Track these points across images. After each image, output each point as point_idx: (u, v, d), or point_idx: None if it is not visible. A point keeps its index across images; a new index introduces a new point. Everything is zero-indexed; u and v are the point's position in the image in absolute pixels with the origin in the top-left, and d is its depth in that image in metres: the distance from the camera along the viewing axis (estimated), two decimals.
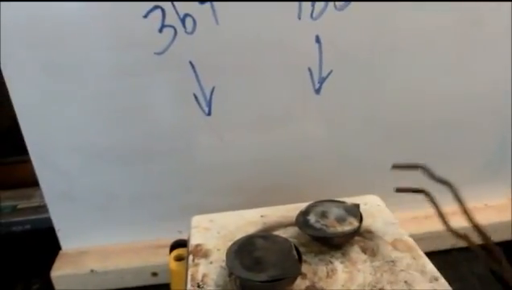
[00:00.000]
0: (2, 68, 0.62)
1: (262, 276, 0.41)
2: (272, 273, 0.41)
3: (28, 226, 0.88)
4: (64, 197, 0.72)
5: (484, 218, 0.79)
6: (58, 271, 0.72)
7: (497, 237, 0.79)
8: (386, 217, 0.56)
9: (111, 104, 0.67)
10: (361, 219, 0.50)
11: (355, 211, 0.51)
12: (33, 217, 0.87)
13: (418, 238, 0.77)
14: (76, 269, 0.73)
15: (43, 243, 0.77)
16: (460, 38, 0.70)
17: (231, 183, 0.75)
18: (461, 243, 0.78)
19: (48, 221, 0.75)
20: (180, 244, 0.63)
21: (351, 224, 0.49)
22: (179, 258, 0.62)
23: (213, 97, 0.67)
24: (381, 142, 0.75)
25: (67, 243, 0.76)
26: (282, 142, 0.73)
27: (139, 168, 0.72)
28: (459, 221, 0.57)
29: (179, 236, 0.75)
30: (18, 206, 0.91)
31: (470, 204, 0.83)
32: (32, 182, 0.72)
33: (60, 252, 0.76)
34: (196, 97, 0.67)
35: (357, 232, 0.49)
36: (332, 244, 0.49)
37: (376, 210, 0.58)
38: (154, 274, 0.73)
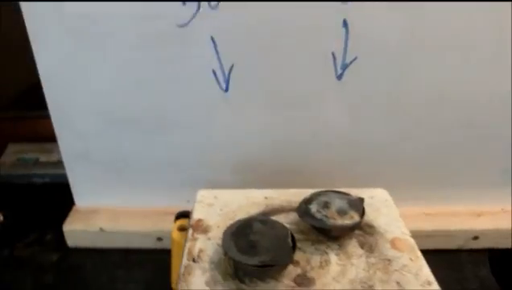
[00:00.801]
0: (27, 27, 0.63)
1: (254, 260, 0.42)
2: (264, 258, 0.42)
3: (47, 179, 0.92)
4: (80, 157, 0.74)
5: (499, 223, 0.78)
6: (69, 226, 0.76)
7: (509, 242, 0.77)
8: (391, 214, 0.55)
9: (132, 73, 0.67)
10: (362, 214, 0.50)
11: (358, 205, 0.51)
12: (52, 171, 0.91)
13: (426, 235, 0.77)
14: (87, 226, 0.76)
15: (60, 197, 0.81)
16: (489, 39, 0.66)
17: (243, 161, 0.75)
18: (470, 245, 0.78)
19: (66, 176, 0.78)
20: (185, 215, 0.65)
21: (351, 218, 0.49)
22: (181, 229, 0.63)
23: (232, 74, 0.67)
24: (399, 137, 0.74)
25: (80, 200, 0.80)
26: (298, 126, 0.72)
27: (155, 138, 0.74)
28: None
29: (186, 205, 0.77)
30: (40, 159, 0.95)
31: (486, 207, 0.82)
32: (53, 138, 0.75)
33: (74, 208, 0.79)
34: (214, 73, 0.67)
35: (356, 227, 0.49)
36: (329, 236, 0.49)
37: (382, 205, 0.57)
38: (160, 239, 0.76)
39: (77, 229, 0.76)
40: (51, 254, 0.75)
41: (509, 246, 0.77)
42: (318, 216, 0.49)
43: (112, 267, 0.73)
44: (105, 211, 0.79)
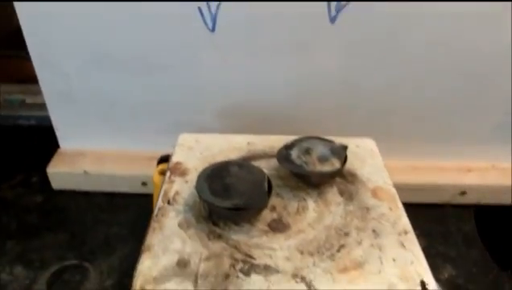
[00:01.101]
0: None
1: (227, 203, 0.41)
2: (237, 202, 0.41)
3: (33, 122, 0.90)
4: (63, 98, 0.72)
5: (488, 179, 0.77)
6: (54, 168, 0.75)
7: (499, 199, 0.77)
8: (376, 164, 0.54)
9: (114, 11, 0.64)
10: (344, 161, 0.48)
11: (340, 152, 0.49)
12: (38, 113, 0.89)
13: (413, 189, 0.76)
14: (71, 168, 0.75)
15: (46, 140, 0.80)
16: None
17: (230, 105, 0.73)
18: (457, 200, 0.78)
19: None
20: (167, 159, 0.63)
21: (332, 165, 0.47)
22: (163, 172, 0.62)
23: (219, 12, 0.63)
24: (392, 86, 0.71)
25: (65, 143, 0.78)
26: (287, 71, 0.69)
27: (140, 80, 0.71)
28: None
29: (172, 150, 0.76)
30: (27, 101, 0.92)
31: (477, 163, 0.80)
32: None
33: (58, 150, 0.78)
34: (200, 11, 0.63)
35: (336, 174, 0.48)
36: (309, 182, 0.48)
37: (367, 155, 0.55)
38: (144, 183, 0.75)
39: (62, 172, 0.75)
40: (35, 196, 0.75)
41: (497, 202, 0.77)
42: (298, 162, 0.48)
43: (96, 210, 0.73)
44: (91, 154, 0.78)
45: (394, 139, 0.77)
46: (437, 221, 0.74)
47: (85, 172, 0.75)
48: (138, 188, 0.76)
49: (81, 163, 0.76)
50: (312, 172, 0.46)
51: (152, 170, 0.72)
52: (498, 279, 0.63)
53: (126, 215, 0.72)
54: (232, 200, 0.41)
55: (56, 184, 0.76)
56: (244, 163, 0.47)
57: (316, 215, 0.45)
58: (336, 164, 0.47)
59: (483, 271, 0.65)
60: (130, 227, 0.70)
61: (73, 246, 0.65)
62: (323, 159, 0.48)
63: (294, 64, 0.68)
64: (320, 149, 0.49)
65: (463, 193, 0.76)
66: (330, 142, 0.51)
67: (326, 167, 0.47)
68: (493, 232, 0.73)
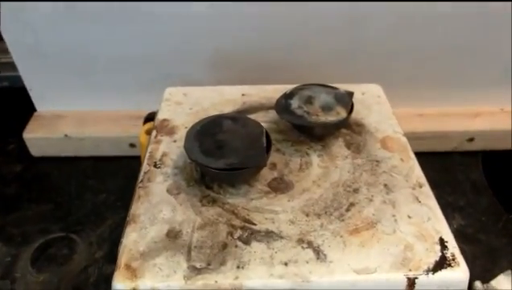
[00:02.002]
0: None
1: (220, 163, 0.36)
2: (231, 161, 0.36)
3: (6, 83, 0.83)
4: (32, 53, 0.65)
5: (496, 124, 0.73)
6: (31, 134, 0.69)
7: (508, 144, 0.73)
8: (384, 111, 0.49)
9: None
10: (350, 110, 0.43)
11: (346, 100, 0.44)
12: (12, 73, 0.81)
13: (420, 137, 0.72)
14: (50, 133, 0.69)
15: (21, 103, 0.73)
16: None
17: (220, 54, 0.67)
18: (465, 147, 0.74)
19: None
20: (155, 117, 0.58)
21: (337, 114, 0.42)
22: (151, 132, 0.57)
23: None
24: (397, 28, 0.64)
25: (41, 105, 0.72)
26: (284, 13, 0.62)
27: (118, 28, 0.64)
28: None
29: (158, 107, 0.70)
30: None
31: (484, 108, 0.75)
32: None
33: (35, 114, 0.72)
34: None
35: (342, 124, 0.43)
36: (312, 135, 0.43)
37: (374, 102, 0.50)
38: (132, 145, 0.70)
39: (40, 137, 0.69)
40: (13, 165, 0.69)
41: (506, 148, 0.73)
42: (299, 112, 0.42)
43: (81, 177, 0.68)
44: (70, 116, 0.72)
45: (398, 85, 0.71)
46: (444, 170, 0.70)
47: (66, 136, 0.69)
48: (125, 151, 0.70)
49: (61, 126, 0.70)
50: (316, 123, 0.41)
51: (139, 130, 0.66)
52: (508, 226, 0.60)
53: (115, 181, 0.67)
54: (226, 159, 0.36)
55: (35, 150, 0.70)
56: (238, 117, 0.41)
57: (321, 171, 0.40)
58: (342, 113, 0.42)
59: (492, 219, 0.62)
60: (120, 193, 0.65)
61: (58, 218, 0.61)
62: (327, 108, 0.42)
63: (289, 4, 0.61)
64: (323, 97, 0.44)
65: (471, 140, 0.72)
66: (334, 88, 0.45)
67: (331, 117, 0.42)
68: (501, 178, 0.70)
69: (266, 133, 0.39)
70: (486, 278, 0.45)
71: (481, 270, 0.52)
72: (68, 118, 0.71)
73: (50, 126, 0.70)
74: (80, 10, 0.61)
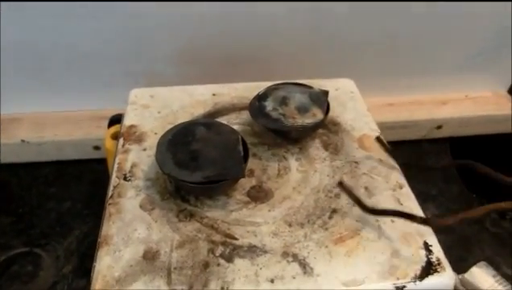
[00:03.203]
0: None
1: (196, 177, 0.33)
2: (208, 173, 0.34)
3: None
4: None
5: (463, 110, 0.74)
6: None
7: (474, 130, 0.74)
8: (358, 108, 0.48)
9: None
10: (327, 110, 0.42)
11: (322, 100, 0.43)
12: None
13: (390, 126, 0.72)
14: (6, 138, 0.64)
15: None
16: None
17: (187, 50, 0.63)
18: (433, 134, 0.75)
19: None
20: (120, 119, 0.54)
21: (314, 116, 0.41)
22: (117, 136, 0.53)
23: None
24: (363, 19, 0.63)
25: None
26: (252, 6, 0.60)
27: (75, 23, 0.59)
28: None
29: (124, 107, 0.67)
30: None
31: (451, 95, 0.77)
32: None
33: None
34: None
35: (319, 126, 0.41)
36: (289, 138, 0.42)
37: (348, 98, 0.49)
38: (97, 148, 0.66)
39: None
40: None
41: (472, 133, 0.74)
42: (274, 115, 0.41)
43: (43, 184, 0.64)
44: (27, 119, 0.67)
45: (367, 75, 0.70)
46: (414, 158, 0.71)
47: (23, 141, 0.64)
48: (89, 154, 0.66)
49: (17, 130, 0.65)
50: (293, 127, 0.39)
51: (103, 131, 0.63)
52: None
53: (79, 186, 0.64)
54: (202, 171, 0.34)
55: None
56: (211, 123, 0.39)
57: (301, 176, 0.39)
58: (319, 114, 0.41)
59: (464, 206, 0.63)
60: (86, 200, 0.61)
61: (19, 231, 0.57)
62: (302, 110, 0.41)
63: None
64: (297, 97, 0.42)
65: (439, 127, 0.73)
66: (308, 88, 0.44)
67: (307, 119, 0.40)
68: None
69: (243, 140, 0.37)
70: (462, 267, 0.46)
71: (456, 259, 0.53)
72: (25, 121, 0.67)
73: (5, 131, 0.64)
74: (32, 5, 0.56)
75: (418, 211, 0.36)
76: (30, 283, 0.51)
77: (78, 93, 0.68)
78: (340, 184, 0.36)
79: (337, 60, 0.67)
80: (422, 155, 0.72)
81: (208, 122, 0.40)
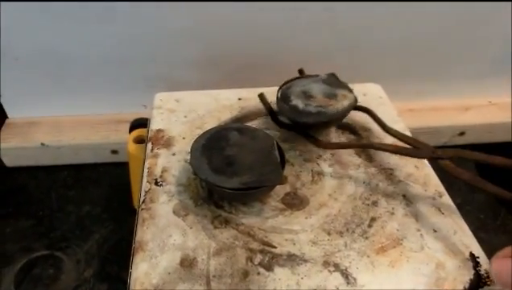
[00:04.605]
0: None
1: (234, 183, 0.33)
2: (246, 179, 0.33)
3: None
4: (2, 56, 0.59)
5: (486, 117, 0.73)
6: (4, 143, 0.63)
7: (498, 137, 0.73)
8: (388, 113, 0.47)
9: None
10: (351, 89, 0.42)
11: (337, 81, 0.42)
12: None
13: (411, 133, 0.71)
14: (25, 141, 0.64)
15: None
16: None
17: (206, 54, 0.63)
18: (455, 141, 0.74)
19: None
20: (142, 123, 0.54)
21: (345, 97, 0.40)
22: (139, 140, 0.53)
23: None
24: (384, 22, 0.63)
25: (14, 112, 0.66)
26: (271, 9, 0.59)
27: (96, 29, 0.59)
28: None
29: (142, 111, 0.66)
30: None
31: (473, 100, 0.76)
32: None
33: (7, 121, 0.66)
34: None
35: (356, 102, 0.41)
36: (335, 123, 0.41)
37: (377, 103, 0.48)
38: (115, 151, 0.65)
39: (14, 147, 0.64)
40: None
41: (495, 141, 0.73)
42: (310, 109, 0.39)
43: (61, 188, 0.63)
44: (46, 122, 0.66)
45: (387, 80, 0.70)
46: (437, 167, 0.69)
47: (43, 145, 0.64)
48: (107, 158, 0.66)
49: (36, 134, 0.64)
50: (337, 112, 0.38)
51: (121, 135, 0.63)
52: (506, 223, 0.61)
53: (98, 190, 0.63)
54: (240, 177, 0.33)
55: (10, 160, 0.65)
56: (245, 128, 0.38)
57: (336, 182, 0.38)
58: (348, 94, 0.40)
59: (490, 215, 0.62)
60: (105, 204, 0.61)
61: (40, 234, 0.56)
62: (331, 95, 0.40)
63: (276, 2, 0.58)
64: (316, 87, 0.41)
65: (461, 134, 0.72)
66: (315, 76, 0.43)
67: (344, 101, 0.39)
68: (494, 171, 0.70)
69: (278, 145, 0.36)
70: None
71: None
72: (43, 124, 0.66)
73: (24, 134, 0.64)
74: (54, 11, 0.56)
75: (461, 222, 0.35)
76: (52, 285, 0.50)
77: (96, 97, 0.67)
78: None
79: (357, 64, 0.66)
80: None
81: (241, 126, 0.39)
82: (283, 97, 0.41)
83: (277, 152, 0.35)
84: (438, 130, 0.72)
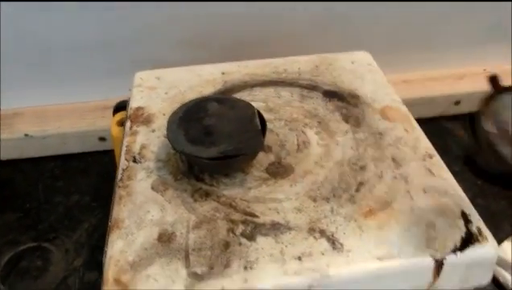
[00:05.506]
0: None
1: (211, 152, 0.31)
2: (225, 148, 0.31)
3: None
4: None
5: (482, 85, 0.71)
6: None
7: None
8: (377, 80, 0.45)
9: None
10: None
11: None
12: None
13: (405, 104, 0.69)
14: (9, 133, 0.62)
15: None
16: None
17: (192, 34, 0.61)
18: (451, 111, 0.72)
19: None
20: (125, 106, 0.52)
21: None
22: (123, 123, 0.51)
23: None
24: None
25: None
26: None
27: (74, 12, 0.57)
28: None
29: (129, 95, 0.64)
30: None
31: (468, 69, 0.74)
32: None
33: None
34: None
35: None
36: None
37: (366, 70, 0.47)
38: (102, 139, 0.64)
39: None
40: None
41: None
42: None
43: (48, 179, 0.61)
44: (30, 113, 0.65)
45: (379, 51, 0.68)
46: (434, 136, 0.67)
47: (27, 136, 0.62)
48: (95, 146, 0.64)
49: (20, 125, 0.63)
50: None
51: (108, 121, 0.61)
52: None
53: (86, 180, 0.61)
54: (218, 146, 0.31)
55: None
56: (225, 98, 0.37)
57: (322, 150, 0.36)
58: None
59: (488, 181, 0.60)
60: (94, 193, 0.59)
61: (27, 226, 0.54)
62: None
63: None
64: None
65: (457, 103, 0.70)
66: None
67: None
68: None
69: (259, 113, 0.35)
70: None
71: None
72: (27, 115, 0.64)
73: (7, 126, 0.62)
74: None
75: (452, 181, 0.34)
76: (40, 278, 0.49)
77: (80, 84, 0.65)
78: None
79: (348, 35, 0.64)
80: (441, 133, 0.69)
81: (221, 97, 0.37)
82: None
83: (258, 120, 0.34)
84: (433, 100, 0.69)
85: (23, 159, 0.63)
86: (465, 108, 0.71)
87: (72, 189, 0.60)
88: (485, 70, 0.73)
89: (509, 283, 0.45)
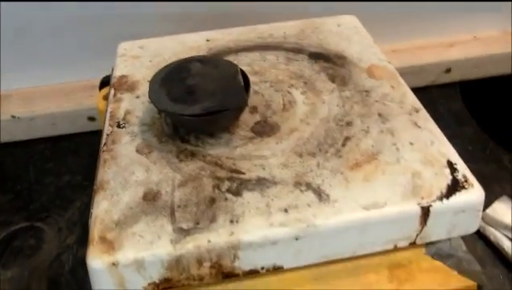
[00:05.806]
0: None
1: (194, 109, 0.31)
2: (207, 104, 0.31)
3: None
4: None
5: (472, 52, 0.71)
6: None
7: (485, 72, 0.71)
8: (364, 41, 0.45)
9: None
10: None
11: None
12: None
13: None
14: None
15: None
16: None
17: (179, 7, 0.60)
18: (442, 79, 0.71)
19: None
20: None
21: None
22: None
23: None
24: None
25: None
26: None
27: None
28: None
29: None
30: None
31: (458, 36, 0.73)
32: None
33: None
34: None
35: None
36: None
37: (352, 33, 0.46)
38: (91, 118, 0.63)
39: None
40: None
41: (482, 76, 0.71)
42: None
43: (39, 161, 0.61)
44: (15, 95, 0.64)
45: (368, 19, 0.68)
46: (425, 104, 0.67)
47: (14, 117, 0.61)
48: (84, 126, 0.63)
49: (6, 107, 0.62)
50: None
51: (96, 100, 0.60)
52: (496, 153, 0.59)
53: (77, 160, 0.61)
54: (201, 104, 0.31)
55: None
56: (207, 58, 0.36)
57: (308, 108, 0.36)
58: None
59: (479, 147, 0.60)
60: (85, 172, 0.59)
61: (19, 207, 0.54)
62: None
63: None
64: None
65: (448, 71, 0.70)
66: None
67: None
68: (482, 106, 0.68)
69: (242, 72, 0.34)
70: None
71: None
72: (13, 96, 0.64)
73: None
74: None
75: (438, 133, 0.33)
76: (33, 256, 0.48)
77: (67, 64, 0.64)
78: None
79: (335, 4, 0.63)
80: (432, 101, 0.68)
81: (204, 57, 0.37)
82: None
83: (241, 77, 0.33)
84: (424, 69, 0.69)
85: (13, 142, 0.63)
86: (456, 76, 0.71)
87: (63, 170, 0.60)
88: (475, 37, 0.73)
89: (500, 242, 0.45)
